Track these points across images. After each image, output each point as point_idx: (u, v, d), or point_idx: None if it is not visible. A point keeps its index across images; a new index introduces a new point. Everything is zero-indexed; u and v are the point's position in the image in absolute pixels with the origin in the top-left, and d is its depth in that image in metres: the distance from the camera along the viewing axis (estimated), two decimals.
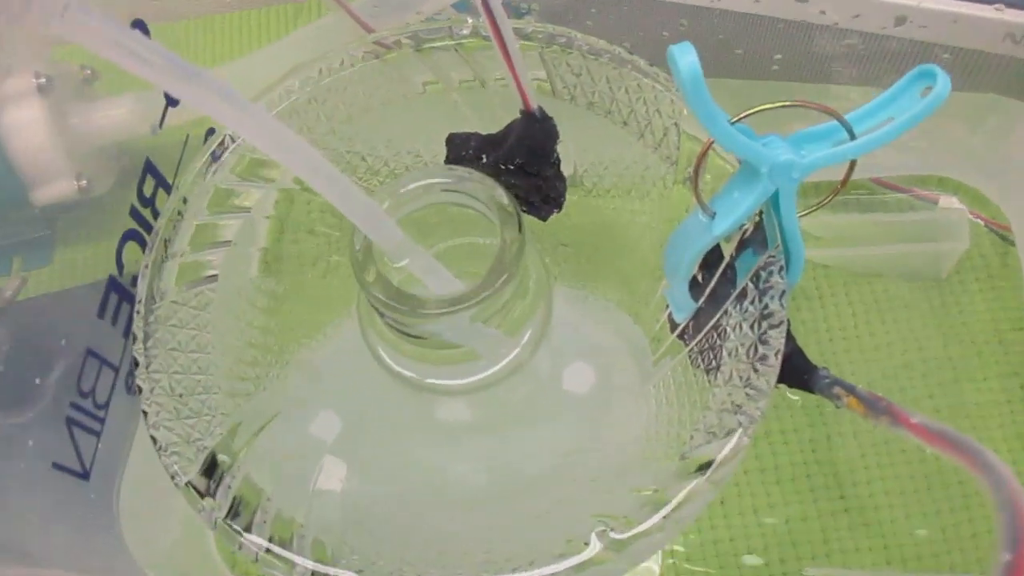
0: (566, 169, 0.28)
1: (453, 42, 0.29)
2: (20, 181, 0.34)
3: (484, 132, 0.28)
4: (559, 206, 0.29)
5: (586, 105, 0.29)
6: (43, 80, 0.36)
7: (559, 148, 0.28)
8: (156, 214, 0.29)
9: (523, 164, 0.28)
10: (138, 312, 0.25)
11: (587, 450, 0.27)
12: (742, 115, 0.23)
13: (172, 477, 0.23)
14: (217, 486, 0.23)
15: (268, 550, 0.22)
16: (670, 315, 0.27)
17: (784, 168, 0.23)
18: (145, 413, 0.23)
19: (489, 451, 0.27)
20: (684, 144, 0.29)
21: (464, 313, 0.21)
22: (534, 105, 0.27)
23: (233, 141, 0.28)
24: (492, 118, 0.28)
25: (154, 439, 0.23)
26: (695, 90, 0.21)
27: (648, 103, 0.28)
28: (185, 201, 0.27)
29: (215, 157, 0.28)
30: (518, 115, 0.28)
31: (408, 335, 0.23)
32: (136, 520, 0.27)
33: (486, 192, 0.22)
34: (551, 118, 0.28)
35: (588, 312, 0.30)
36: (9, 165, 0.33)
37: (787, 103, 0.24)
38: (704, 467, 0.23)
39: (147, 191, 0.28)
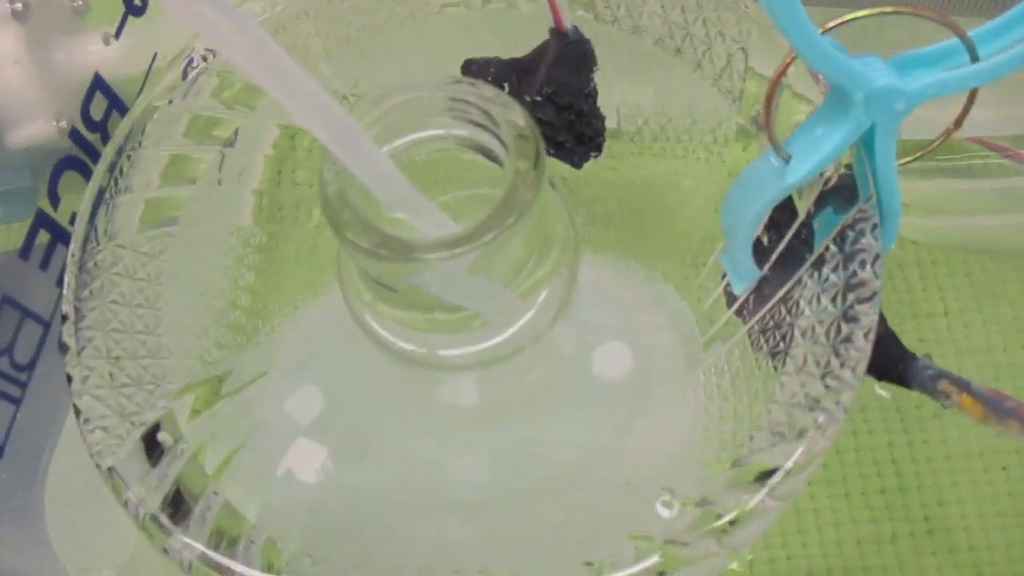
0: (608, 116, 0.23)
1: None
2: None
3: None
4: (597, 149, 0.24)
5: (631, 29, 0.24)
6: (19, 5, 0.32)
7: (597, 78, 0.23)
8: (107, 140, 0.24)
9: (552, 95, 0.22)
10: (72, 255, 0.20)
11: (616, 449, 0.22)
12: (833, 23, 0.18)
13: (93, 457, 0.18)
14: (152, 470, 0.18)
15: (203, 555, 0.17)
16: (726, 286, 0.22)
17: (885, 95, 0.18)
18: (69, 378, 0.19)
19: (494, 442, 0.22)
20: (749, 82, 0.23)
21: (462, 259, 0.16)
22: (568, 23, 0.22)
23: (214, 59, 0.24)
24: (519, 49, 0.23)
25: (77, 409, 0.19)
26: None
27: (709, 24, 0.22)
28: (144, 127, 0.23)
29: (190, 75, 0.23)
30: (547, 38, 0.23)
31: (392, 292, 0.18)
32: (66, 511, 0.23)
33: (499, 112, 0.17)
34: (587, 40, 0.23)
35: (624, 282, 0.25)
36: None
37: (890, 9, 0.18)
38: (765, 476, 0.18)
39: (95, 112, 0.23)
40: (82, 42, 0.33)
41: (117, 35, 0.26)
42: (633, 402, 0.23)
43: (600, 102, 0.23)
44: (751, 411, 0.19)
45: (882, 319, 0.20)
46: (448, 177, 0.25)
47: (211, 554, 0.17)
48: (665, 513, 0.19)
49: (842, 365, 0.17)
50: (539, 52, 0.23)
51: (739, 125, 0.24)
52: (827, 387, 0.18)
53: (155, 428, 0.19)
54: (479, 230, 0.16)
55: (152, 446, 0.19)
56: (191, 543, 0.17)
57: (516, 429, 0.23)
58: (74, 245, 0.21)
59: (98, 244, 0.21)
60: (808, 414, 0.17)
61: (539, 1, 0.22)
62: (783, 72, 0.18)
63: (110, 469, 0.18)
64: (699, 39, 0.23)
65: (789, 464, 0.17)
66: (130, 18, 0.25)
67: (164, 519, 0.17)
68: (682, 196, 0.25)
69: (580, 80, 0.23)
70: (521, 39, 0.23)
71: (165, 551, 0.17)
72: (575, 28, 0.22)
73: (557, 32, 0.22)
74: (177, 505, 0.18)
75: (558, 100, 0.23)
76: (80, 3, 0.36)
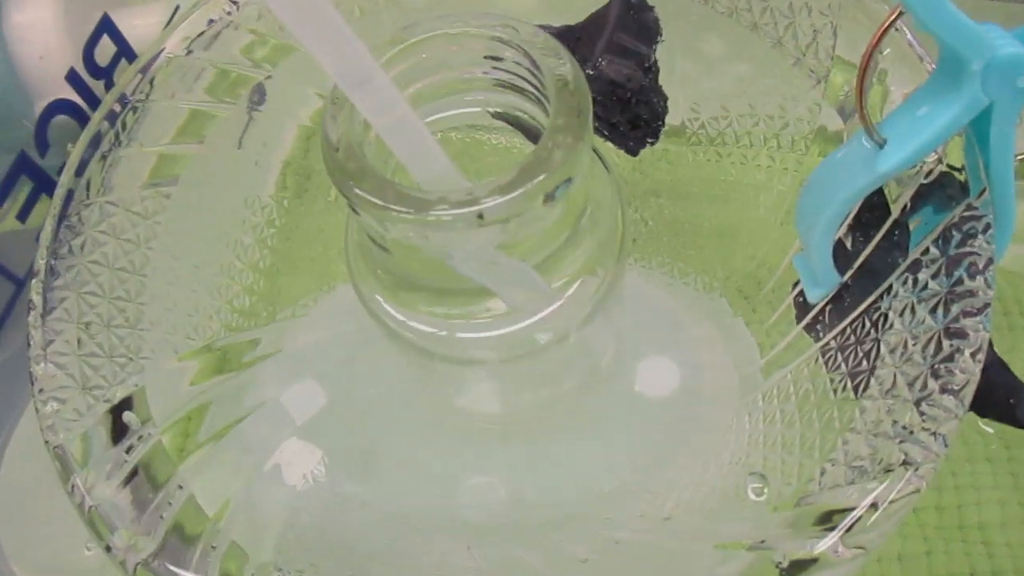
0: (673, 109, 0.20)
1: None
2: (26, 92, 0.28)
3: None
4: (654, 135, 0.21)
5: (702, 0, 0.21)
6: None
7: (660, 54, 0.20)
8: (110, 87, 0.22)
9: (607, 68, 0.20)
10: (54, 207, 0.18)
11: (655, 478, 0.19)
12: None
13: (44, 432, 0.16)
14: (110, 452, 0.16)
15: (149, 560, 0.14)
16: (797, 296, 0.19)
17: (1009, 65, 0.15)
18: (30, 342, 0.17)
19: (514, 459, 0.19)
20: (836, 67, 0.20)
21: (486, 231, 0.13)
22: None
23: (239, 12, 0.21)
24: (573, 15, 0.21)
25: (33, 377, 0.16)
26: None
27: None
28: (155, 77, 0.20)
29: (213, 26, 0.21)
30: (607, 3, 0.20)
31: (404, 269, 0.15)
32: (19, 502, 0.20)
33: (542, 60, 0.15)
34: (652, 7, 0.20)
35: (675, 292, 0.22)
36: (14, 72, 0.28)
37: None
38: (833, 517, 0.14)
39: (101, 57, 0.21)
40: (124, 15, 0.31)
41: None
42: (677, 426, 0.20)
43: (662, 84, 0.21)
44: (822, 441, 0.16)
45: (988, 344, 0.16)
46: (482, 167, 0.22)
47: (158, 562, 0.14)
48: (710, 558, 0.16)
49: (943, 389, 0.14)
50: (597, 19, 0.20)
51: (819, 127, 0.21)
52: (923, 415, 0.14)
53: (122, 406, 0.17)
54: (503, 187, 0.13)
55: (116, 425, 0.16)
56: (138, 545, 0.14)
57: (540, 446, 0.20)
58: (58, 195, 0.18)
59: (87, 198, 0.19)
60: (897, 446, 0.14)
61: None
62: (887, 29, 0.15)
63: (58, 447, 0.15)
64: (782, 12, 0.20)
65: (867, 502, 0.14)
66: None
67: (112, 511, 0.15)
68: (746, 199, 0.22)
69: (641, 52, 0.20)
70: (575, 3, 0.20)
71: (108, 549, 0.14)
72: None
73: None
74: (133, 495, 0.15)
75: (614, 76, 0.20)
76: None
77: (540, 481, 0.20)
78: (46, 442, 0.15)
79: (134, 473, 0.16)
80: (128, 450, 0.16)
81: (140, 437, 0.16)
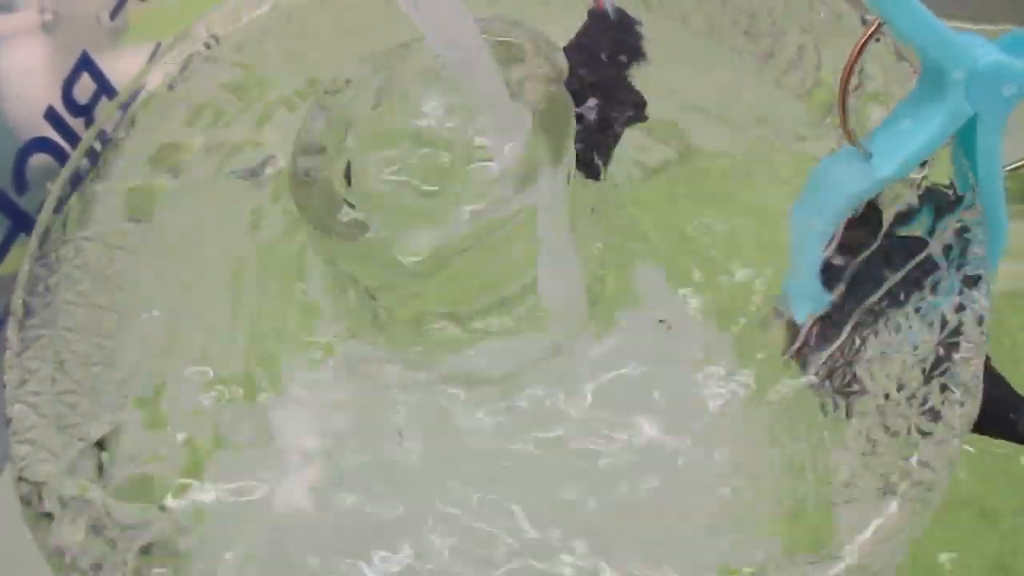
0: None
1: None
2: (12, 133, 0.28)
3: None
4: (605, 160, 0.20)
5: (679, 20, 0.21)
6: (49, 17, 0.30)
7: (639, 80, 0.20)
8: (91, 124, 0.22)
9: (578, 91, 0.19)
10: (32, 246, 0.18)
11: (636, 502, 0.18)
12: None
13: (17, 473, 0.15)
14: (84, 493, 0.15)
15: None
16: (785, 314, 0.18)
17: (991, 75, 0.15)
18: (3, 382, 0.16)
19: (494, 475, 0.18)
20: (822, 85, 0.20)
21: None
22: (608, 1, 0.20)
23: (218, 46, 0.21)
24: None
25: (7, 419, 0.16)
26: None
27: (775, 14, 0.19)
28: (136, 112, 0.20)
29: (195, 61, 0.21)
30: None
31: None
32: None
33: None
34: (634, 24, 0.20)
35: (659, 307, 0.21)
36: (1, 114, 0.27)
37: None
38: (832, 544, 0.14)
39: (80, 94, 0.21)
40: (112, 59, 0.31)
41: (113, 16, 0.24)
42: (659, 448, 0.19)
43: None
44: (813, 462, 0.15)
45: (986, 360, 0.16)
46: None
47: None
48: None
49: (946, 404, 0.14)
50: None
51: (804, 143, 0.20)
52: (924, 434, 0.14)
53: (98, 445, 0.16)
54: None
55: (91, 464, 0.16)
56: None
57: (523, 462, 0.19)
58: (36, 232, 0.18)
59: (64, 234, 0.18)
60: (898, 466, 0.13)
61: None
62: (864, 45, 0.15)
63: (28, 490, 0.15)
64: (765, 28, 0.19)
65: (869, 532, 0.13)
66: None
67: (81, 553, 0.14)
68: (733, 215, 0.22)
69: (616, 72, 0.20)
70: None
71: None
72: (619, 11, 0.20)
73: (596, 12, 0.19)
74: (103, 536, 0.15)
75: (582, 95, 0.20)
76: (118, 22, 0.34)
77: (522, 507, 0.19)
78: (19, 479, 0.15)
79: (107, 513, 0.15)
80: (103, 488, 0.16)
81: (115, 476, 0.16)
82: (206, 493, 0.17)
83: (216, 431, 0.18)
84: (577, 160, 0.18)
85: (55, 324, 0.17)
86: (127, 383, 0.17)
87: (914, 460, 0.13)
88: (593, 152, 0.20)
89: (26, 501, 0.15)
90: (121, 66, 0.31)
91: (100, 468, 0.16)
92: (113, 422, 0.17)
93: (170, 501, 0.16)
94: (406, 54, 0.16)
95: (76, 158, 0.19)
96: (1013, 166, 0.16)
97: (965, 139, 0.16)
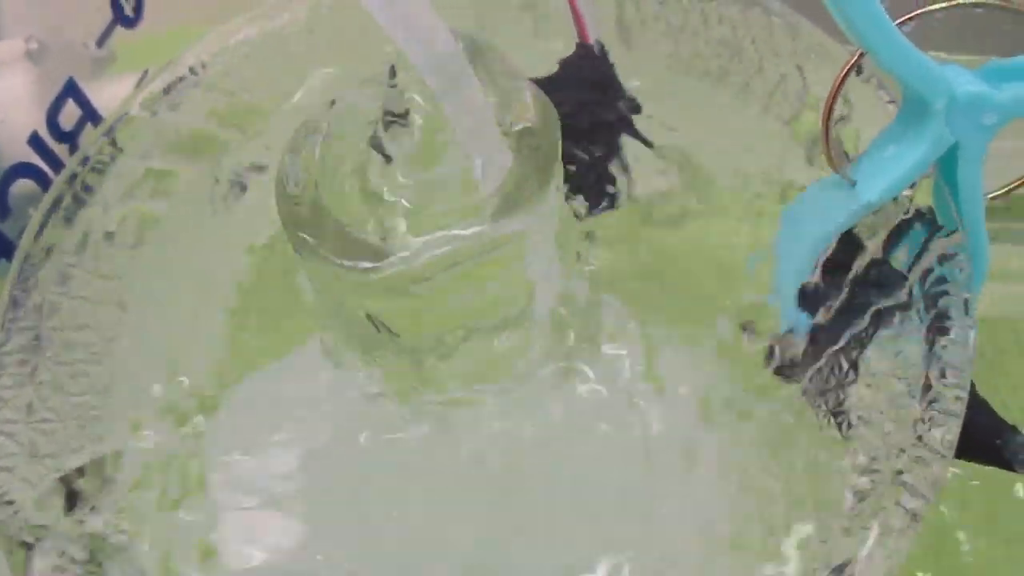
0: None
1: None
2: None
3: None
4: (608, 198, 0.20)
5: (662, 55, 0.21)
6: (35, 46, 0.30)
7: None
8: (75, 151, 0.22)
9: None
10: (12, 274, 0.17)
11: (615, 537, 0.18)
12: (905, 17, 0.15)
13: None
14: (59, 527, 0.15)
15: None
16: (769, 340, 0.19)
17: (971, 104, 0.15)
18: None
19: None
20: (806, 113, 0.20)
21: None
22: (593, 36, 0.20)
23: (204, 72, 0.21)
24: None
25: None
26: None
27: (759, 42, 0.20)
28: (118, 137, 0.20)
29: (181, 86, 0.21)
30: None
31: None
32: None
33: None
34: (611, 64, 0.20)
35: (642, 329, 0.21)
36: None
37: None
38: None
39: (65, 120, 0.21)
40: (99, 89, 0.31)
41: (101, 43, 0.24)
42: (637, 480, 0.19)
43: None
44: (799, 488, 0.15)
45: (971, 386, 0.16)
46: None
47: None
48: None
49: (934, 427, 0.14)
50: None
51: (785, 181, 0.20)
52: (910, 456, 0.14)
53: (75, 475, 0.16)
54: None
55: (67, 495, 0.16)
56: None
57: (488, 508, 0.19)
58: (16, 258, 0.18)
59: (45, 259, 0.18)
60: (890, 489, 0.13)
61: None
62: (846, 75, 0.15)
63: (4, 516, 0.15)
64: (749, 57, 0.20)
65: (863, 552, 0.13)
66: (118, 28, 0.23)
67: None
68: (715, 244, 0.22)
69: (600, 107, 0.20)
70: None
71: None
72: (601, 45, 0.20)
73: (581, 46, 0.20)
74: (81, 569, 0.14)
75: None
76: (104, 53, 0.34)
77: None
78: None
79: (83, 545, 0.15)
80: (80, 522, 0.15)
81: (93, 508, 0.16)
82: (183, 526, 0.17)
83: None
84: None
85: (32, 348, 0.17)
86: (109, 412, 0.17)
87: (900, 484, 0.13)
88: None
89: (2, 529, 0.14)
90: (107, 94, 0.31)
91: (73, 500, 0.16)
92: (93, 453, 0.16)
93: (147, 533, 0.15)
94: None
95: (59, 184, 0.19)
96: (994, 193, 0.17)
97: (947, 167, 0.16)
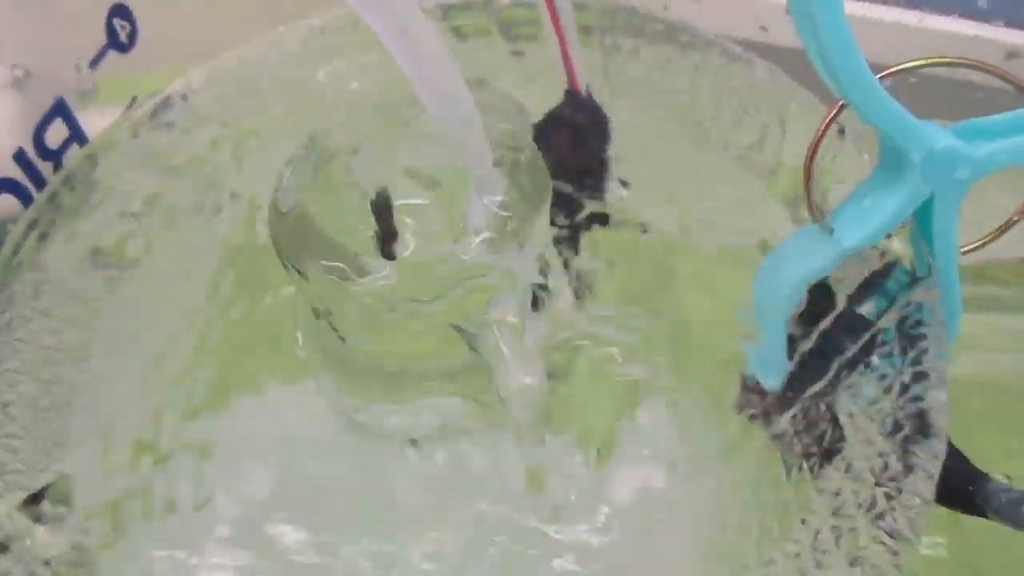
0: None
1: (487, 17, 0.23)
2: None
3: None
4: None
5: (647, 105, 0.21)
6: (20, 73, 0.30)
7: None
8: (59, 168, 0.21)
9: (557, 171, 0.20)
10: None
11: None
12: (886, 72, 0.16)
13: None
14: (20, 550, 0.14)
15: None
16: (745, 384, 0.19)
17: (946, 158, 0.16)
18: None
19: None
20: (784, 168, 0.21)
21: None
22: (583, 83, 0.20)
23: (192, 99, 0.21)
24: None
25: None
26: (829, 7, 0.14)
27: (740, 94, 0.20)
28: (99, 158, 0.20)
29: (166, 112, 0.21)
30: None
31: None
32: None
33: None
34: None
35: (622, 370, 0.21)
36: None
37: (947, 59, 0.16)
38: None
39: (51, 139, 0.20)
40: (85, 118, 0.31)
41: (92, 65, 0.23)
42: (623, 517, 0.19)
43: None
44: (772, 527, 0.15)
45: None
46: None
47: None
48: None
49: (912, 473, 0.14)
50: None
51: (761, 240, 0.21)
52: (889, 498, 0.14)
53: (41, 494, 0.15)
54: None
55: (33, 515, 0.15)
56: None
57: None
58: None
59: (20, 276, 0.18)
60: (870, 529, 0.13)
61: None
62: (827, 127, 0.16)
63: None
64: (731, 110, 0.20)
65: None
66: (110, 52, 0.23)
67: None
68: (695, 291, 0.22)
69: (589, 151, 0.21)
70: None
71: None
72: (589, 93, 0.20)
73: (571, 92, 0.20)
74: None
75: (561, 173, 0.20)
76: (91, 85, 0.34)
77: None
78: None
79: (47, 567, 0.14)
80: (44, 544, 0.15)
81: (58, 528, 0.15)
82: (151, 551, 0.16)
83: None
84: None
85: (2, 363, 0.17)
86: (79, 431, 0.17)
87: (885, 528, 0.14)
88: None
89: None
90: (95, 119, 0.31)
91: (38, 519, 0.15)
92: (60, 471, 0.16)
93: (113, 557, 0.15)
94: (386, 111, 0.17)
95: (40, 201, 0.19)
96: (969, 247, 0.17)
97: (922, 220, 0.17)
